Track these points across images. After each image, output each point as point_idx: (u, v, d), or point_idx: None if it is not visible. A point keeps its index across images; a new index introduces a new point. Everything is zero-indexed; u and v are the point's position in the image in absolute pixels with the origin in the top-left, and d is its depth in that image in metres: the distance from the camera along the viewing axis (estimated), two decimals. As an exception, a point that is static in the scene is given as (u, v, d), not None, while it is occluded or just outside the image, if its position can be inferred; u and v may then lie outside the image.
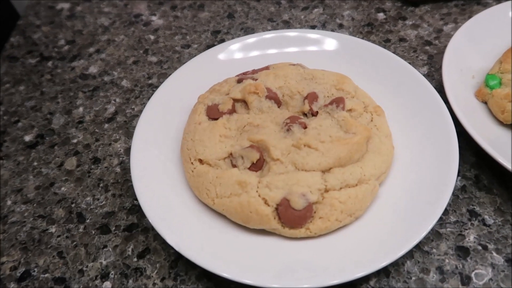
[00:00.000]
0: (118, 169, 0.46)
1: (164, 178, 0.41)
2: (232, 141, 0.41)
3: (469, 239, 0.38)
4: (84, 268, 0.39)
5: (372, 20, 0.59)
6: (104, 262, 0.39)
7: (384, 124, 0.42)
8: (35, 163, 0.47)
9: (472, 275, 0.36)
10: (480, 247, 0.37)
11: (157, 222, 0.36)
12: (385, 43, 0.56)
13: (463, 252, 0.37)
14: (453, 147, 0.39)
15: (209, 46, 0.58)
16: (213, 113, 0.43)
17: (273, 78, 0.45)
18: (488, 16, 0.51)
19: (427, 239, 0.38)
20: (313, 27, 0.60)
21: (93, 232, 0.41)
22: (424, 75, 0.51)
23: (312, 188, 0.37)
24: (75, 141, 0.49)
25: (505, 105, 0.42)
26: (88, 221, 0.42)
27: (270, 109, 0.43)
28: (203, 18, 0.64)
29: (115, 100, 0.53)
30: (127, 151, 0.48)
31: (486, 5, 0.58)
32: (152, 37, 0.62)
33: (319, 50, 0.51)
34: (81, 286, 0.37)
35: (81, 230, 0.41)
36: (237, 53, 0.52)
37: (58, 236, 0.41)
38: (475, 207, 0.40)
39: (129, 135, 0.49)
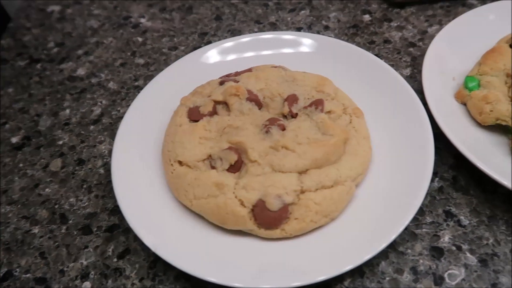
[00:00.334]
0: (102, 171, 0.47)
1: (145, 179, 0.42)
2: (211, 143, 0.42)
3: (444, 240, 0.38)
4: (65, 268, 0.39)
5: (357, 21, 0.60)
6: (85, 263, 0.40)
7: (363, 126, 0.43)
8: (21, 165, 0.48)
9: (445, 275, 0.36)
10: (454, 248, 0.38)
11: (135, 223, 0.37)
12: (369, 44, 0.56)
13: (437, 252, 0.37)
14: (428, 150, 0.39)
15: (195, 48, 0.59)
16: (194, 115, 0.44)
17: (254, 80, 0.46)
18: (469, 18, 0.51)
19: (402, 240, 0.39)
20: (299, 29, 0.60)
21: (75, 233, 0.42)
22: (406, 77, 0.52)
23: (288, 190, 0.37)
24: (60, 142, 0.50)
25: (482, 107, 0.42)
26: (70, 222, 0.43)
27: (251, 111, 0.44)
28: (191, 20, 0.64)
29: (101, 102, 0.54)
30: (111, 152, 0.48)
31: (471, 7, 0.59)
32: (140, 39, 0.62)
33: (302, 52, 0.51)
34: (61, 286, 0.38)
35: (63, 230, 0.42)
36: (223, 55, 0.53)
37: (41, 236, 0.42)
38: (451, 208, 0.40)
39: (114, 136, 0.50)
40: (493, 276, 0.35)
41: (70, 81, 0.57)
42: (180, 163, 0.41)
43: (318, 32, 0.59)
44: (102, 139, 0.50)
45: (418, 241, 0.38)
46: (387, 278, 0.36)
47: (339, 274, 0.34)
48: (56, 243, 0.41)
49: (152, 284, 0.38)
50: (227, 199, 0.37)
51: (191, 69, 0.51)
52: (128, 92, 0.55)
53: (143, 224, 0.37)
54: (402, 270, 0.37)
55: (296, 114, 0.43)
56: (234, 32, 0.61)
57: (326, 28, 0.60)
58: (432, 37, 0.56)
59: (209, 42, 0.60)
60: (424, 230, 0.39)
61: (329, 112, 0.43)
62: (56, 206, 0.44)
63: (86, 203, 0.44)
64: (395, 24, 0.59)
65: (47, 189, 0.46)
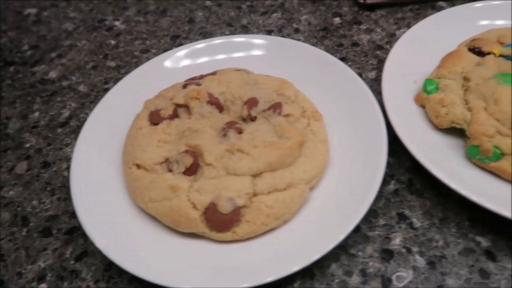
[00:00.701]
0: (66, 173, 0.47)
1: (104, 182, 0.42)
2: (170, 146, 0.42)
3: (395, 242, 0.39)
4: (23, 271, 0.40)
5: (328, 24, 0.60)
6: (43, 265, 0.40)
7: (321, 129, 0.43)
8: (-13, 167, 0.49)
9: (393, 277, 0.36)
10: (404, 250, 0.38)
11: (88, 225, 0.38)
12: (338, 47, 0.57)
13: (387, 255, 0.38)
14: (381, 154, 0.39)
15: (166, 51, 0.59)
16: (155, 118, 0.44)
17: (216, 83, 0.46)
18: (433, 21, 0.51)
19: (354, 242, 0.39)
20: (269, 31, 0.61)
21: (35, 235, 0.42)
22: (371, 80, 0.52)
23: (241, 193, 0.38)
24: (27, 145, 0.50)
25: (439, 110, 0.42)
26: (32, 224, 0.43)
27: (211, 114, 0.44)
28: (164, 23, 0.65)
29: (70, 105, 0.55)
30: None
31: (441, 9, 0.59)
32: (113, 42, 0.63)
33: (268, 55, 0.52)
34: (18, 288, 0.39)
35: (24, 233, 0.43)
36: (192, 57, 0.53)
37: (1, 239, 0.42)
38: (404, 210, 0.41)
39: (81, 139, 0.50)
40: (440, 278, 0.36)
41: (41, 84, 0.58)
42: (138, 166, 0.41)
43: (288, 35, 0.60)
44: (69, 141, 0.50)
45: (369, 244, 0.39)
46: (336, 280, 0.37)
47: (288, 275, 0.34)
48: (16, 246, 0.42)
49: (106, 286, 0.38)
50: (181, 202, 0.38)
51: (159, 72, 0.52)
52: (98, 95, 0.55)
53: (97, 227, 0.38)
54: (352, 272, 0.37)
55: (255, 117, 0.44)
56: (206, 35, 0.62)
57: (297, 31, 0.60)
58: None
59: (180, 45, 0.60)
60: (376, 232, 0.39)
61: (287, 115, 0.43)
62: (19, 209, 0.45)
63: (48, 206, 0.45)
64: (364, 27, 0.59)
65: (11, 192, 0.46)
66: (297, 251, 0.36)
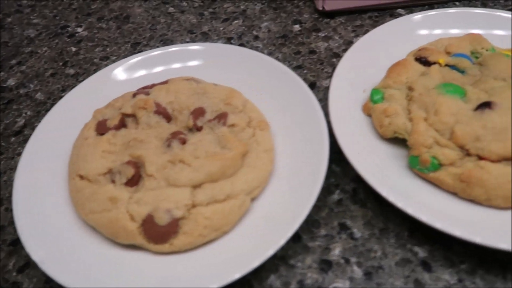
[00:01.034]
0: (15, 183, 0.47)
1: (49, 193, 0.42)
2: (114, 156, 0.42)
3: (334, 253, 0.39)
4: (-36, 282, 0.40)
5: (287, 32, 0.60)
6: (-16, 276, 0.40)
7: (266, 138, 0.43)
8: None
9: (330, 288, 0.37)
10: (343, 261, 0.38)
11: (25, 237, 0.37)
12: (295, 55, 0.57)
13: (326, 265, 0.38)
14: (322, 164, 0.40)
15: (123, 58, 0.59)
16: (101, 128, 0.44)
17: (165, 93, 0.46)
18: (386, 30, 0.52)
19: (295, 253, 0.39)
20: (229, 39, 0.61)
21: (-21, 246, 0.42)
22: (325, 88, 0.53)
23: (179, 204, 0.38)
24: (-21, 154, 0.50)
25: (382, 120, 0.42)
26: (-24, 235, 0.43)
27: (159, 124, 0.44)
28: (126, 30, 0.65)
29: (26, 113, 0.54)
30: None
31: (399, 17, 0.59)
32: (74, 49, 0.63)
33: (222, 63, 0.52)
34: (-43, 300, 0.39)
35: (-32, 244, 0.43)
36: (144, 67, 0.53)
37: None
38: (346, 220, 0.41)
39: (33, 148, 0.50)
40: (375, 289, 0.36)
41: (-1, 91, 0.58)
42: (81, 177, 0.41)
43: (247, 42, 0.60)
44: (21, 151, 0.50)
45: (309, 254, 0.39)
46: (273, 292, 0.37)
47: (224, 286, 0.34)
48: (-41, 257, 0.42)
49: (45, 298, 0.38)
50: (119, 214, 0.38)
51: (113, 80, 0.52)
52: (54, 103, 0.55)
53: (36, 239, 0.38)
54: (289, 283, 0.37)
55: (201, 127, 0.44)
56: (166, 42, 0.62)
57: (256, 38, 0.60)
58: (355, 47, 0.57)
59: (140, 51, 0.60)
60: (317, 243, 0.40)
61: (232, 125, 0.43)
62: (-35, 219, 0.44)
63: (-5, 216, 0.44)
64: (323, 35, 0.59)
65: (-42, 202, 0.46)
66: (235, 261, 0.36)
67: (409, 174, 0.41)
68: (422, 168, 0.39)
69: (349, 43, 0.58)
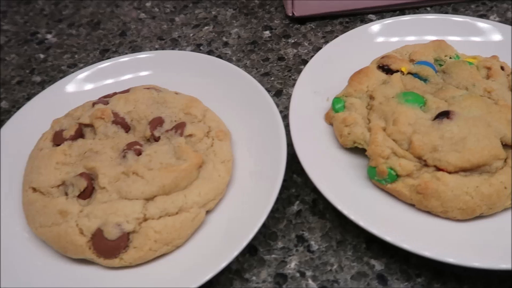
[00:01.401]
0: (-28, 194, 0.46)
1: (4, 206, 0.41)
2: (69, 168, 0.41)
3: (290, 266, 0.38)
4: None
5: (257, 38, 0.60)
6: None
7: (225, 149, 0.42)
8: None
9: (283, 303, 0.36)
10: (298, 274, 0.37)
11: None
12: (263, 62, 0.56)
13: (281, 279, 0.37)
14: (278, 176, 0.39)
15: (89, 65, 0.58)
16: (57, 139, 0.43)
17: (123, 102, 0.45)
18: (352, 36, 0.51)
19: (250, 266, 0.38)
20: (199, 45, 0.60)
21: None
22: (291, 95, 0.52)
23: (129, 218, 0.37)
24: None
25: (342, 129, 0.42)
26: None
27: (116, 134, 0.43)
28: (96, 36, 0.64)
29: (-11, 122, 0.54)
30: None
31: (369, 22, 0.58)
32: (42, 55, 0.62)
33: (185, 71, 0.51)
34: None
35: None
36: (110, 74, 0.52)
37: None
38: (304, 232, 0.40)
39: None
40: (328, 304, 0.35)
41: (-37, 100, 0.57)
42: (34, 189, 0.40)
43: (216, 49, 0.59)
44: (-19, 161, 0.49)
45: (265, 268, 0.38)
46: (225, 307, 0.36)
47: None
48: None
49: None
50: (68, 228, 0.37)
51: (76, 88, 0.51)
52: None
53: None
54: (242, 298, 0.37)
55: (159, 137, 0.43)
56: (135, 49, 0.61)
57: (225, 44, 0.59)
58: (324, 54, 0.56)
59: (108, 58, 0.59)
60: (273, 256, 0.39)
61: (190, 135, 0.42)
62: None
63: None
64: (292, 41, 0.58)
65: None
66: (187, 276, 0.35)
67: (369, 185, 0.40)
68: (380, 179, 0.38)
69: (318, 50, 0.56)
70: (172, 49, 0.60)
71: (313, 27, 0.60)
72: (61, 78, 0.58)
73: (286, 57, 0.56)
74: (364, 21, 0.60)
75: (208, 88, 0.49)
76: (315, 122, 0.45)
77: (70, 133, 0.43)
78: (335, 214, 0.41)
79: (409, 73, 0.44)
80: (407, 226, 0.36)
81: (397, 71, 0.44)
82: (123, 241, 0.36)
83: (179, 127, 0.42)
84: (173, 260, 0.37)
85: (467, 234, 0.36)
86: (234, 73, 0.49)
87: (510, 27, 0.50)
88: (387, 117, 0.40)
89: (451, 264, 0.33)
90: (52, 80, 0.58)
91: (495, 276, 0.36)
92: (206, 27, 0.62)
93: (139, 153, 0.41)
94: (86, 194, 0.39)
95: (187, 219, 0.38)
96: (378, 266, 0.37)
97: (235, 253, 0.35)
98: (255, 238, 0.40)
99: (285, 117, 0.46)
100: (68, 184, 0.40)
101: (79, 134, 0.44)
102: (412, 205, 0.38)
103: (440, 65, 0.46)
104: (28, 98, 0.56)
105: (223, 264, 0.35)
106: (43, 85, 0.57)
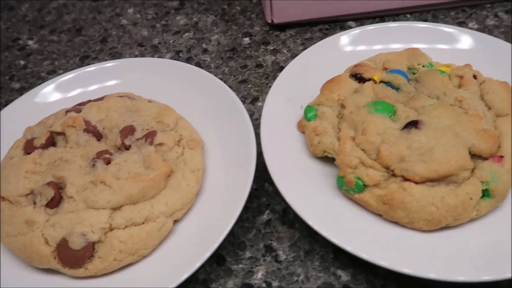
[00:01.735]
0: None
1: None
2: (38, 177, 0.41)
3: (257, 276, 0.38)
4: None
5: (236, 45, 0.60)
6: None
7: (195, 158, 0.42)
8: None
9: (247, 314, 0.36)
10: (265, 285, 0.37)
11: None
12: (241, 69, 0.56)
13: (247, 290, 0.37)
14: (246, 185, 0.39)
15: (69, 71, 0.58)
16: (28, 147, 0.43)
17: (95, 110, 0.45)
18: (328, 44, 0.51)
19: (217, 276, 0.38)
20: (178, 52, 0.60)
21: None
22: (267, 103, 0.52)
23: (95, 228, 0.37)
24: None
25: (313, 138, 0.42)
26: None
27: (88, 142, 0.43)
28: (77, 43, 0.64)
29: (-35, 129, 0.53)
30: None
31: (348, 29, 0.58)
32: (22, 62, 0.62)
33: (162, 78, 0.51)
34: None
35: None
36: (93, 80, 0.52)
37: None
38: (273, 242, 0.40)
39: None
40: (292, 316, 0.35)
41: None
42: (3, 198, 0.40)
43: (195, 56, 0.59)
44: (-45, 168, 0.49)
45: (232, 278, 0.38)
46: (190, 318, 0.36)
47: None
48: None
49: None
50: (34, 238, 0.37)
51: (53, 97, 0.51)
52: (-5, 118, 0.54)
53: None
54: (207, 309, 0.36)
55: (130, 146, 0.43)
56: (115, 56, 0.61)
57: (205, 51, 0.59)
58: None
59: (88, 64, 0.59)
60: (241, 266, 0.39)
61: (160, 144, 0.42)
62: None
63: None
64: (271, 48, 0.58)
65: None
66: (152, 286, 0.35)
67: (339, 194, 0.40)
68: (348, 189, 0.38)
69: (296, 56, 0.57)
70: (152, 56, 0.60)
71: (293, 34, 0.60)
72: (39, 85, 0.58)
73: (264, 64, 0.56)
74: (344, 28, 0.60)
75: (183, 96, 0.49)
76: (288, 130, 0.45)
77: (41, 141, 0.43)
78: (304, 223, 0.40)
79: (381, 81, 0.44)
80: (372, 236, 0.36)
81: (370, 79, 0.44)
82: (88, 251, 0.36)
83: (150, 136, 0.42)
84: (139, 270, 0.37)
85: (433, 245, 0.36)
86: (208, 81, 0.48)
87: (484, 35, 0.50)
88: (356, 126, 0.40)
89: (411, 275, 0.33)
90: (31, 87, 0.58)
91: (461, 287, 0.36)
92: (186, 34, 0.62)
93: (108, 162, 0.41)
94: (54, 203, 0.39)
95: (153, 229, 0.38)
96: (344, 276, 0.37)
97: (198, 264, 0.35)
98: (223, 247, 0.40)
99: (260, 125, 0.46)
100: (36, 193, 0.40)
101: (50, 143, 0.44)
102: (380, 215, 0.38)
103: (414, 73, 0.45)
104: (6, 104, 0.56)
105: (184, 276, 0.34)
106: (21, 92, 0.57)
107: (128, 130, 0.43)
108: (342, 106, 0.43)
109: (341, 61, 0.49)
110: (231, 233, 0.41)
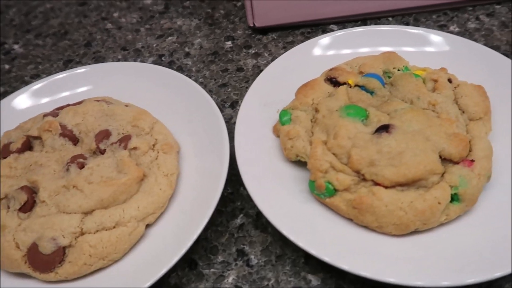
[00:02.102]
0: None
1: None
2: (13, 181, 0.41)
3: (228, 281, 0.38)
4: None
5: (218, 48, 0.60)
6: None
7: (169, 162, 0.42)
8: None
9: (216, 319, 0.36)
10: (235, 289, 0.37)
11: None
12: (222, 73, 0.56)
13: (218, 294, 0.37)
14: (218, 189, 0.39)
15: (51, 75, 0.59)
16: (5, 152, 0.44)
17: (72, 114, 0.45)
18: (307, 47, 0.51)
19: (189, 281, 0.38)
20: (161, 56, 0.60)
21: None
22: (246, 107, 0.52)
23: (66, 232, 0.37)
24: None
25: (286, 142, 0.42)
26: None
27: (64, 147, 0.44)
28: (62, 47, 0.64)
29: None
30: None
31: (330, 32, 0.58)
32: (7, 66, 0.62)
33: (144, 83, 0.51)
34: None
35: None
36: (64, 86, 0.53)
37: None
38: (245, 246, 0.40)
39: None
40: (260, 320, 0.35)
41: None
42: (-23, 202, 0.41)
43: (177, 59, 0.59)
44: None
45: (203, 282, 0.38)
46: (158, 322, 0.36)
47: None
48: None
49: None
50: (5, 242, 0.37)
51: (33, 101, 0.52)
52: (-23, 122, 0.55)
53: None
54: (177, 313, 0.36)
55: (105, 150, 0.43)
56: (99, 60, 0.61)
57: (187, 55, 0.60)
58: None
59: (72, 68, 0.60)
60: (212, 270, 0.39)
61: (134, 148, 0.42)
62: None
63: None
64: (253, 51, 0.58)
65: None
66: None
67: (311, 199, 0.40)
68: (319, 193, 0.38)
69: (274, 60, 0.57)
70: (134, 60, 0.60)
71: (275, 37, 0.60)
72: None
73: (245, 68, 0.57)
74: (326, 31, 0.60)
75: (161, 100, 0.49)
76: (263, 134, 0.45)
77: (17, 146, 0.43)
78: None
79: (356, 85, 0.44)
80: (341, 241, 0.36)
81: (345, 83, 0.44)
82: (58, 256, 0.37)
83: (124, 140, 0.42)
84: (110, 274, 0.38)
85: (400, 249, 0.36)
86: (186, 85, 0.49)
87: (464, 39, 0.50)
88: (329, 130, 0.40)
89: (373, 280, 0.33)
90: (14, 91, 0.58)
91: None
92: (170, 38, 0.63)
93: (82, 166, 0.41)
94: (27, 207, 0.39)
95: (124, 233, 0.38)
96: (314, 281, 0.37)
97: (165, 269, 0.35)
98: (195, 252, 0.40)
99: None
100: (10, 198, 0.40)
101: (26, 147, 0.44)
102: (351, 220, 0.38)
103: (389, 77, 0.45)
104: (-11, 109, 0.56)
105: (150, 282, 0.35)
106: (5, 96, 0.58)
107: (103, 135, 0.43)
108: (316, 110, 0.43)
109: (320, 64, 0.49)
110: (204, 238, 0.41)
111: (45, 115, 0.46)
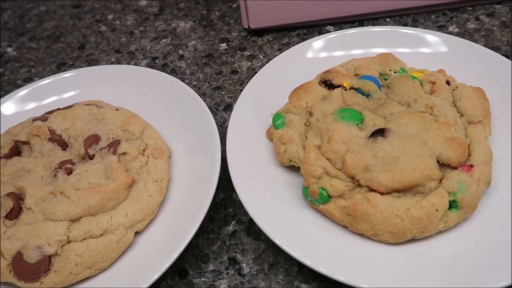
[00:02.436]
0: None
1: None
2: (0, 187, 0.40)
3: (218, 290, 0.37)
4: None
5: (213, 51, 0.59)
6: None
7: (159, 167, 0.41)
8: None
9: (205, 330, 0.35)
10: (225, 299, 0.36)
11: None
12: (216, 75, 0.55)
13: (208, 304, 0.36)
14: (208, 195, 0.38)
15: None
16: (-8, 157, 0.43)
17: (61, 119, 0.44)
18: (301, 50, 0.50)
19: (178, 290, 0.37)
20: (155, 58, 0.59)
21: None
22: (241, 110, 0.51)
23: (51, 240, 0.36)
24: None
25: (279, 147, 0.41)
26: None
27: (53, 152, 0.43)
28: (55, 50, 0.63)
29: None
30: None
31: (326, 34, 0.57)
32: (0, 70, 0.61)
33: (136, 86, 0.50)
34: None
35: None
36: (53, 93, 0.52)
37: None
38: (237, 254, 0.39)
39: None
40: (251, 331, 0.34)
41: None
42: (-37, 210, 0.40)
43: (171, 62, 0.58)
44: None
45: (193, 291, 0.37)
46: (146, 333, 0.35)
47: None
48: None
49: None
50: (-10, 251, 0.36)
51: (19, 108, 0.51)
52: (-32, 127, 0.54)
53: None
54: (165, 324, 0.35)
55: (94, 155, 0.42)
56: (92, 63, 0.60)
57: (181, 57, 0.59)
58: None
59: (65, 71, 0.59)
60: (203, 279, 0.38)
61: (124, 153, 0.41)
62: None
63: None
64: (248, 53, 0.57)
65: None
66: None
67: (305, 205, 0.39)
68: (313, 200, 0.37)
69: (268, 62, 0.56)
70: (128, 62, 0.59)
71: (270, 39, 0.59)
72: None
73: (239, 70, 0.55)
74: (322, 32, 0.58)
75: (153, 104, 0.48)
76: (256, 139, 0.44)
77: (5, 151, 0.42)
78: (270, 235, 0.40)
79: (352, 88, 0.43)
80: (335, 250, 0.35)
81: (340, 86, 0.43)
82: (44, 265, 0.35)
83: (113, 145, 0.41)
84: (98, 283, 0.37)
85: (397, 258, 0.34)
86: (179, 89, 0.47)
87: (463, 40, 0.49)
88: (323, 134, 0.39)
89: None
90: (6, 95, 0.57)
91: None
92: (164, 40, 0.62)
93: (70, 172, 0.40)
94: (13, 214, 0.38)
95: (111, 241, 0.37)
96: (307, 290, 0.36)
97: (154, 277, 0.34)
98: (186, 260, 0.39)
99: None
100: (-3, 205, 0.39)
101: (14, 152, 0.43)
102: (346, 227, 0.37)
103: (385, 79, 0.44)
104: (-20, 113, 0.55)
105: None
106: (-3, 100, 0.57)
107: (92, 139, 0.42)
108: (310, 114, 0.42)
109: (314, 67, 0.48)
110: (195, 245, 0.40)
111: (34, 119, 0.45)
